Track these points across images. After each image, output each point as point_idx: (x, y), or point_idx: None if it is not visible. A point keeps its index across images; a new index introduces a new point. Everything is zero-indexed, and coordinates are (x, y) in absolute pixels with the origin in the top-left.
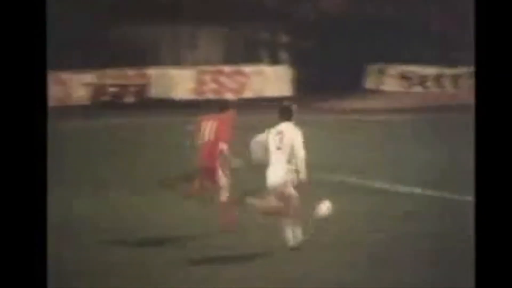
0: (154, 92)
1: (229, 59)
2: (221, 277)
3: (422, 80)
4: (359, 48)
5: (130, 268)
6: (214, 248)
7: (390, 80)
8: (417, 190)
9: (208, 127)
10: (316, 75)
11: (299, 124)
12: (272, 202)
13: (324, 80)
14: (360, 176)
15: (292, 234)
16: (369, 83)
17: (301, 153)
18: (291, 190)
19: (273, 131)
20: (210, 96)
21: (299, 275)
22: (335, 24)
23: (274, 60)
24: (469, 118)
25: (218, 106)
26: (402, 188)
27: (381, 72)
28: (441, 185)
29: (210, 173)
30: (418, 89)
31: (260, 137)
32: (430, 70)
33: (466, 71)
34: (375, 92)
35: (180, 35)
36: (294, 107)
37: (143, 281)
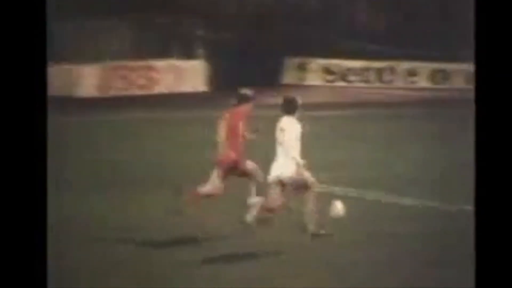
0: (52, 90)
1: (138, 54)
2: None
3: (345, 74)
4: (280, 42)
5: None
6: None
7: (311, 75)
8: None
9: (226, 121)
10: (234, 70)
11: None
12: (274, 199)
13: (242, 75)
14: None
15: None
16: (288, 77)
17: (294, 149)
18: (308, 179)
19: (277, 126)
20: (117, 93)
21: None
22: (254, 17)
23: (188, 55)
24: (396, 112)
25: (237, 98)
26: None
27: (302, 67)
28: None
29: (235, 167)
30: (341, 83)
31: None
32: (354, 64)
33: (390, 65)
34: (296, 87)
35: (83, 29)
36: (300, 99)
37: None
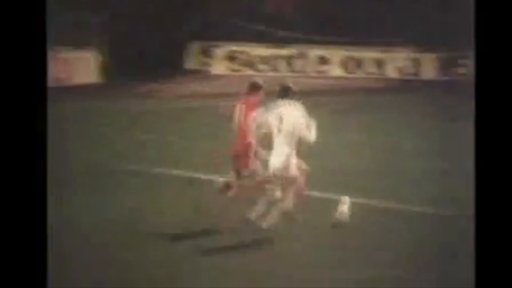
0: None
1: None
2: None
3: (253, 62)
4: (182, 27)
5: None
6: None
7: (216, 61)
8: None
9: (239, 111)
10: (131, 58)
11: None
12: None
13: (140, 63)
14: None
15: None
16: (192, 64)
17: (301, 135)
18: (294, 173)
19: (274, 112)
20: None
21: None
22: (152, 1)
23: (79, 44)
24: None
25: (249, 87)
26: None
27: (206, 53)
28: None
29: (243, 160)
30: (248, 71)
31: (260, 118)
32: (262, 51)
33: (301, 52)
34: (199, 74)
35: None
36: (294, 87)
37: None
